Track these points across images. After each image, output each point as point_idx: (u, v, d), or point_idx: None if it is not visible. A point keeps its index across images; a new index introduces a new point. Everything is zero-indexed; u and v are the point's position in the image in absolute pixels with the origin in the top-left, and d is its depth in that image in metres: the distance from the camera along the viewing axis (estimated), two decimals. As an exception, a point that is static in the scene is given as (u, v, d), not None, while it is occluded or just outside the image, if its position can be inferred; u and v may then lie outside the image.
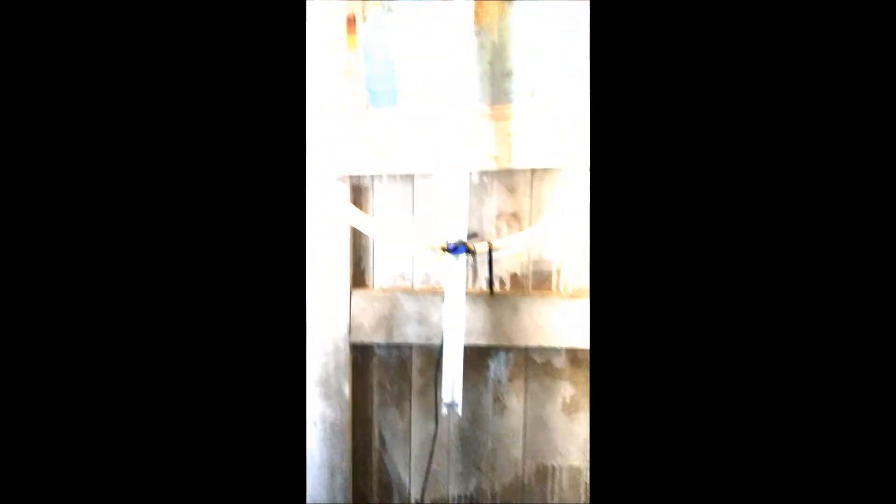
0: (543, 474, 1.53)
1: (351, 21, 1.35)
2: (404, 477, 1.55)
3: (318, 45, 1.36)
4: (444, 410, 1.37)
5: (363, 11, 1.35)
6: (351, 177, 1.42)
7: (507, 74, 1.34)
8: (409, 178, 1.43)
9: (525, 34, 1.33)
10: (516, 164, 1.37)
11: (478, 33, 1.33)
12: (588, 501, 1.52)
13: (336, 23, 1.35)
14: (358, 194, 1.45)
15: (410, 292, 1.45)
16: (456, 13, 1.25)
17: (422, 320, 1.44)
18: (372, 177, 1.43)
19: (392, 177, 1.43)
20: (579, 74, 1.32)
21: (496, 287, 1.45)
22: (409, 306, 1.45)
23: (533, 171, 1.41)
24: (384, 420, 1.54)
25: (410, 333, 1.45)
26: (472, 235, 1.38)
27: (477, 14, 1.31)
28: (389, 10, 1.34)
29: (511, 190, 1.43)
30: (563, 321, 1.43)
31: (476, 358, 1.48)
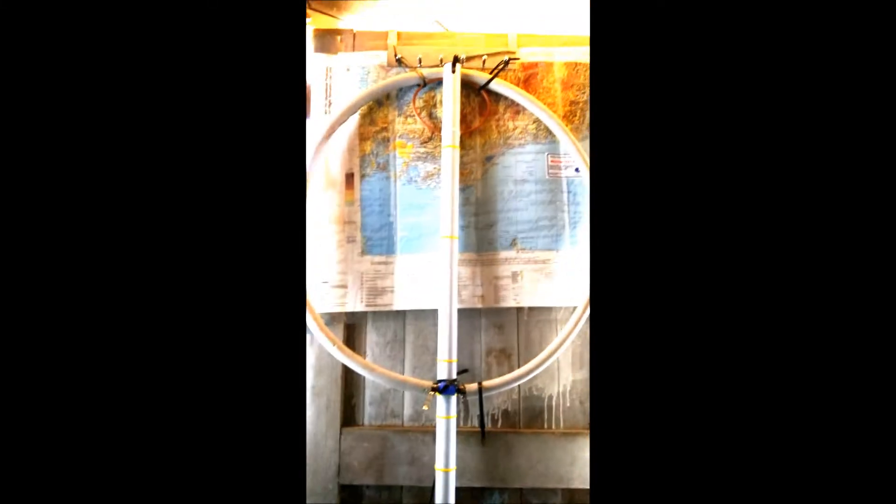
0: None
1: (349, 177, 1.50)
2: None
3: (318, 199, 1.49)
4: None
5: (360, 169, 1.50)
6: (346, 314, 1.48)
7: (490, 226, 1.47)
8: (402, 315, 1.50)
9: (502, 191, 1.47)
10: (502, 304, 1.44)
11: (463, 189, 1.47)
12: None
13: (338, 180, 1.51)
14: (351, 332, 1.50)
15: (401, 431, 1.45)
16: (444, 172, 1.40)
17: (413, 461, 1.42)
18: (365, 313, 1.49)
19: (385, 314, 1.49)
20: (553, 227, 1.45)
21: (488, 425, 1.45)
22: (401, 446, 1.43)
23: (519, 309, 1.48)
24: (374, 573, 1.45)
25: (401, 474, 1.42)
26: (462, 372, 1.41)
27: (462, 173, 1.46)
28: (384, 168, 1.50)
29: (499, 327, 1.49)
30: (558, 461, 1.41)
31: (469, 500, 1.43)
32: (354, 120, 1.52)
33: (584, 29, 1.56)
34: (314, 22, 1.56)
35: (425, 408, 1.45)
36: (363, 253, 1.47)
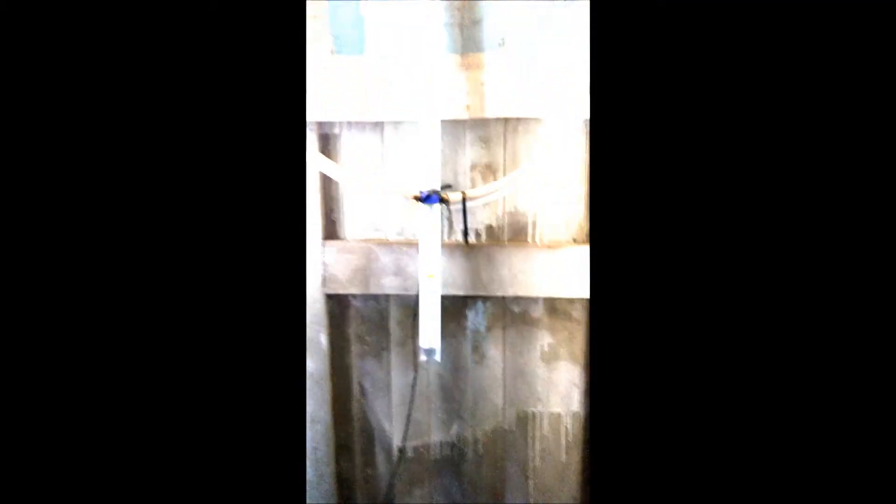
0: (524, 421, 1.55)
1: (314, -40, 1.29)
2: (385, 425, 1.58)
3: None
4: (423, 357, 1.38)
5: (327, -50, 1.28)
6: (318, 124, 1.38)
7: (476, 23, 1.28)
8: (379, 126, 1.39)
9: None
10: (489, 114, 1.33)
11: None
12: (567, 445, 1.55)
13: (299, -37, 1.29)
14: (326, 143, 1.41)
15: (385, 244, 1.44)
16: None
17: (398, 271, 1.44)
18: (340, 124, 1.39)
19: (361, 125, 1.39)
20: (548, 23, 1.26)
21: (472, 238, 1.43)
22: (385, 258, 1.43)
23: (506, 120, 1.36)
24: (363, 370, 1.55)
25: (387, 284, 1.45)
26: (445, 186, 1.36)
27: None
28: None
29: (485, 141, 1.39)
30: (540, 272, 1.41)
31: (453, 308, 1.48)
32: None
33: None
34: None
35: (406, 211, 1.41)
36: (333, 52, 1.32)
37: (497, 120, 1.37)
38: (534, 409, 1.55)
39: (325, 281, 1.45)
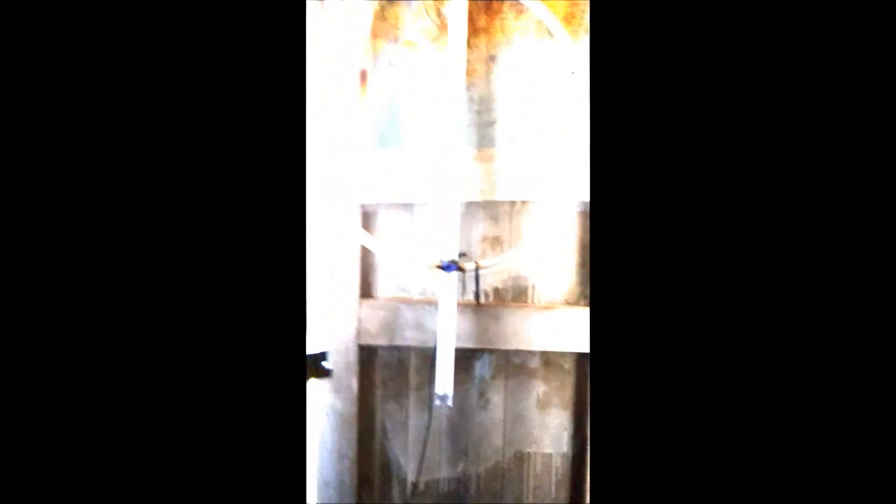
0: (521, 460, 1.78)
1: (363, 74, 1.61)
2: (402, 461, 1.80)
3: (335, 94, 1.62)
4: (437, 402, 1.62)
5: (374, 66, 1.61)
6: (362, 205, 1.68)
7: (491, 123, 1.62)
8: (410, 206, 1.69)
9: (506, 90, 1.60)
10: (498, 197, 1.64)
11: (468, 87, 1.59)
12: (557, 483, 1.78)
13: (351, 76, 1.62)
14: (366, 219, 1.71)
15: (409, 302, 1.71)
16: (450, 70, 1.52)
17: (419, 326, 1.70)
18: (377, 205, 1.69)
19: (395, 206, 1.69)
20: (550, 128, 1.60)
21: (482, 299, 1.71)
22: (409, 314, 1.70)
23: (512, 203, 1.68)
24: (385, 411, 1.79)
25: (409, 337, 1.71)
26: (461, 255, 1.64)
27: (467, 72, 1.58)
28: (392, 64, 1.61)
29: (494, 218, 1.70)
30: (537, 329, 1.69)
31: (464, 359, 1.73)
32: (368, 20, 1.59)
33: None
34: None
35: (430, 277, 1.69)
36: (376, 146, 1.63)
37: (504, 202, 1.67)
38: (529, 450, 1.78)
39: (358, 333, 1.70)
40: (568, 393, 1.76)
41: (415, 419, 1.78)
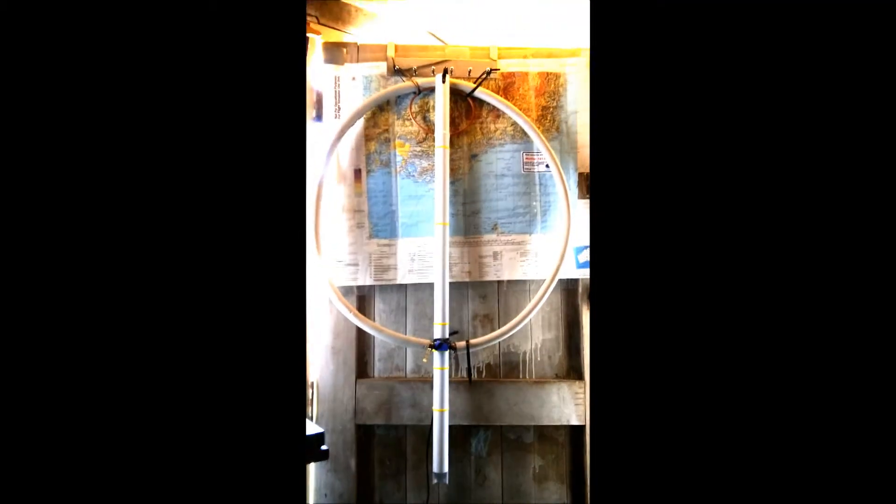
0: (521, 536, 1.79)
1: (357, 172, 1.79)
2: (401, 543, 1.81)
3: (332, 191, 1.79)
4: (434, 480, 1.67)
5: (366, 166, 1.79)
6: (357, 287, 1.80)
7: (475, 213, 1.78)
8: (403, 288, 1.82)
9: (485, 184, 1.77)
10: (486, 278, 1.77)
11: (453, 183, 1.76)
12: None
13: (348, 175, 1.80)
14: (363, 301, 1.82)
15: (404, 381, 1.79)
16: (437, 168, 1.69)
17: (414, 404, 1.77)
18: (372, 287, 1.81)
19: (389, 287, 1.82)
20: (527, 214, 1.76)
21: (474, 375, 1.79)
22: (404, 392, 1.78)
23: (499, 282, 1.80)
24: (384, 491, 1.82)
25: (405, 416, 1.77)
26: (453, 333, 1.74)
27: (451, 169, 1.75)
28: (386, 164, 1.79)
29: (483, 297, 1.81)
30: (530, 403, 1.76)
31: (459, 436, 1.79)
32: (360, 123, 1.79)
33: (555, 42, 1.82)
34: (324, 36, 1.81)
35: (424, 360, 1.78)
36: (371, 236, 1.78)
37: (492, 281, 1.80)
38: (529, 527, 1.80)
39: (356, 413, 1.77)
40: (563, 466, 1.79)
41: (412, 497, 1.81)
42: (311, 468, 1.79)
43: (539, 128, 1.76)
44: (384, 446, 1.82)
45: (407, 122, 1.79)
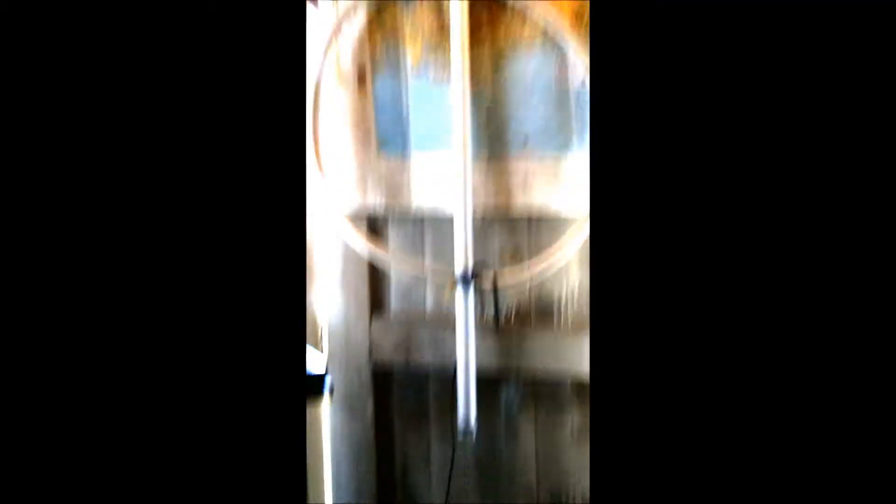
0: (557, 498, 1.57)
1: (362, 74, 1.51)
2: (425, 498, 1.66)
3: (332, 97, 1.53)
4: (460, 437, 1.48)
5: (371, 67, 1.50)
6: (368, 217, 1.57)
7: (501, 130, 1.46)
8: (420, 215, 1.56)
9: (512, 96, 1.43)
10: (515, 208, 1.46)
11: (475, 93, 1.43)
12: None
13: (349, 77, 1.53)
14: (373, 232, 1.60)
15: (423, 322, 1.58)
16: (454, 77, 1.38)
17: (436, 348, 1.56)
18: (385, 217, 1.58)
19: (404, 217, 1.57)
20: (560, 133, 1.41)
21: (502, 321, 1.52)
22: (424, 334, 1.57)
23: (529, 210, 1.48)
24: (405, 440, 1.67)
25: (426, 359, 1.57)
26: (479, 263, 1.47)
27: (472, 77, 1.41)
28: (395, 66, 1.49)
29: (511, 231, 1.51)
30: (567, 353, 1.47)
31: (487, 388, 1.55)
32: (364, 13, 1.49)
33: None
34: None
35: (446, 298, 1.54)
36: (379, 151, 1.52)
37: (521, 209, 1.48)
38: (565, 488, 1.56)
39: (371, 352, 1.60)
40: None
41: (437, 452, 1.64)
42: (325, 411, 1.66)
43: (575, 33, 1.35)
44: (403, 392, 1.65)
45: (419, 15, 1.46)
